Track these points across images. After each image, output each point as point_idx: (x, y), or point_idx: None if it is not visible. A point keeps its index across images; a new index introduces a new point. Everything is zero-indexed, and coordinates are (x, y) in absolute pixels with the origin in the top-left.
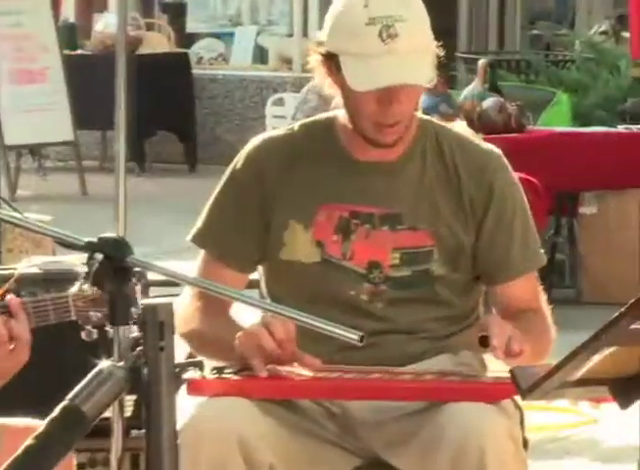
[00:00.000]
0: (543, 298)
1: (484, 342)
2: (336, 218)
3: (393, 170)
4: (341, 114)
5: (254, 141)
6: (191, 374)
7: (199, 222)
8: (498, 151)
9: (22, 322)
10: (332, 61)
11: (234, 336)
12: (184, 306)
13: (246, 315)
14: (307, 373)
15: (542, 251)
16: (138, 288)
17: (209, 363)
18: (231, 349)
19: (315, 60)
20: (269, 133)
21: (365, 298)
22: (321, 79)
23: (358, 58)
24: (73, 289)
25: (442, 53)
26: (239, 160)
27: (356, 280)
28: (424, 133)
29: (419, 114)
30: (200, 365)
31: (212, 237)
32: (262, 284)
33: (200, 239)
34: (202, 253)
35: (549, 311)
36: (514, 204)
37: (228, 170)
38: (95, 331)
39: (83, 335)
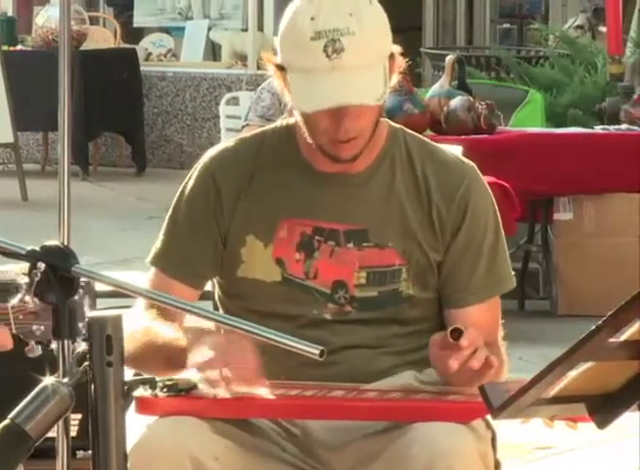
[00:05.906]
0: (501, 330)
1: (456, 335)
2: (297, 235)
3: (359, 183)
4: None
5: (210, 152)
6: (140, 392)
7: (157, 243)
8: (471, 163)
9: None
10: (284, 73)
11: (175, 350)
12: (133, 320)
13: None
14: (265, 391)
15: (512, 273)
16: (85, 300)
17: (162, 380)
18: (169, 360)
19: (271, 68)
20: (226, 143)
21: (329, 317)
22: (280, 88)
23: (303, 74)
24: (14, 300)
25: (404, 51)
26: (193, 172)
27: (320, 300)
28: (393, 142)
29: (387, 120)
30: (151, 382)
31: (170, 260)
32: (216, 298)
33: (159, 262)
34: (152, 268)
35: (504, 347)
36: (486, 223)
37: (182, 185)
38: (39, 347)
39: (27, 351)
